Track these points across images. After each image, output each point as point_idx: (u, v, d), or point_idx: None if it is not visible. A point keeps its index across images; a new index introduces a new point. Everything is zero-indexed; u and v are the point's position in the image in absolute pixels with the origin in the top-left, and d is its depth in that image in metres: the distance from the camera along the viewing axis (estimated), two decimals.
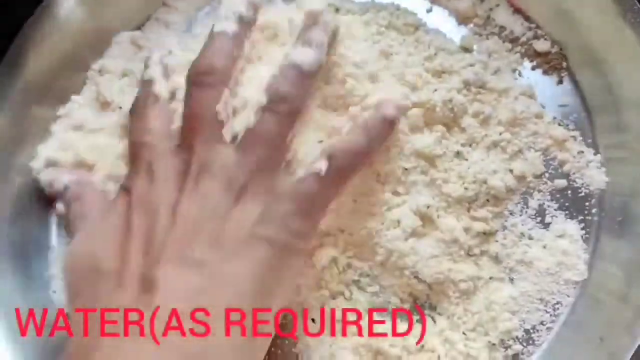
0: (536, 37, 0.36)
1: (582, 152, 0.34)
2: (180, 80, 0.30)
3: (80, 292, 0.27)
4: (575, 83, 0.35)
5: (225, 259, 0.26)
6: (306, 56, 0.28)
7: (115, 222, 0.28)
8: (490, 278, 0.32)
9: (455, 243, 0.32)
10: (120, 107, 0.34)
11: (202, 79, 0.28)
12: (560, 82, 0.36)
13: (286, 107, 0.28)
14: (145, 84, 0.31)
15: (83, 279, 0.27)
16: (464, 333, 0.32)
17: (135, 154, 0.30)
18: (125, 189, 0.29)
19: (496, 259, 0.33)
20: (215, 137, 0.28)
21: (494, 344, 0.32)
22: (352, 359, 0.31)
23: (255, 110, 0.28)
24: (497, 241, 0.33)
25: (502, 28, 0.36)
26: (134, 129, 0.31)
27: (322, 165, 0.27)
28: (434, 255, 0.31)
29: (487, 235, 0.33)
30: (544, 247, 0.33)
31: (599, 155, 0.34)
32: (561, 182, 0.34)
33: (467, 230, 0.32)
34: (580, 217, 0.34)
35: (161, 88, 0.31)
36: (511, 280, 0.33)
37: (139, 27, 0.38)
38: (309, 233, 0.28)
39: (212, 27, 0.30)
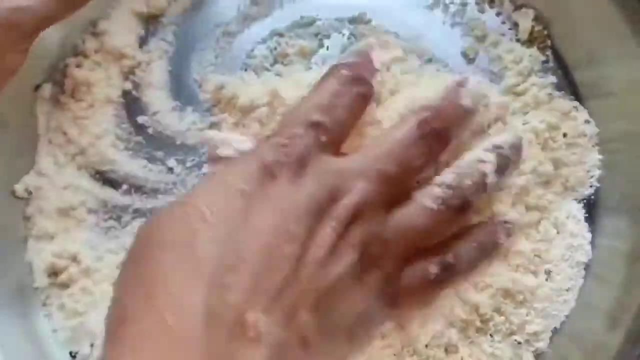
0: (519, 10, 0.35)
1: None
2: None
3: None
4: (559, 62, 0.35)
5: None
6: None
7: None
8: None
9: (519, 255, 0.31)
10: None
11: None
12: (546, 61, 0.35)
13: None
14: None
15: None
16: (490, 335, 0.31)
17: None
18: None
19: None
20: None
21: (519, 343, 0.31)
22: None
23: None
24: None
25: None
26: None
27: None
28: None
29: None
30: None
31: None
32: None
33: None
34: (580, 197, 0.33)
35: None
36: (548, 273, 0.32)
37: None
38: None
39: None
